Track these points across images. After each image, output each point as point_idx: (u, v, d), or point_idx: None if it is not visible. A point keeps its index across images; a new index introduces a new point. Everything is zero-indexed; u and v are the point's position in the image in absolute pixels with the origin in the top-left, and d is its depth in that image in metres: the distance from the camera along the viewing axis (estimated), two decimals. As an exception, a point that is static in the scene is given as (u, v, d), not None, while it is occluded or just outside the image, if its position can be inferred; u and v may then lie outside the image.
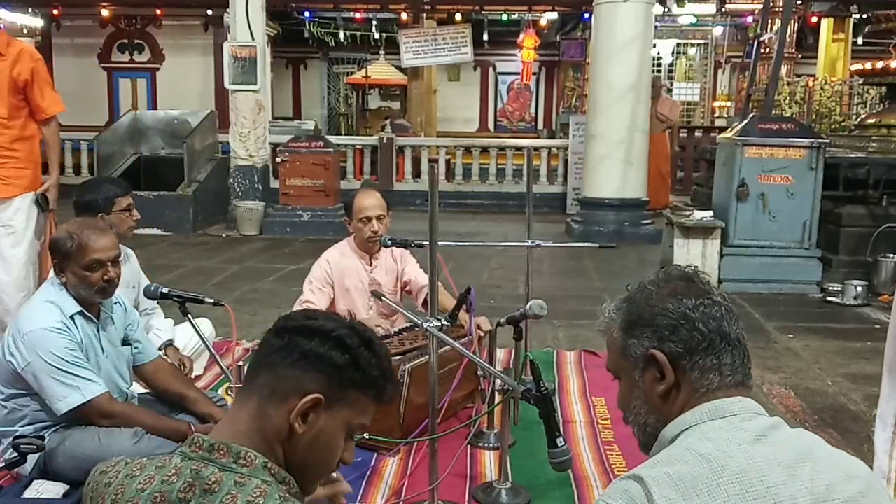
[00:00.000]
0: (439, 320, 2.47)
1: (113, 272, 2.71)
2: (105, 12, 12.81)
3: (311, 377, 1.25)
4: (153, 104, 13.53)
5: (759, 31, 9.76)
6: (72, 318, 2.68)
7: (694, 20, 15.06)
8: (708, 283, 1.32)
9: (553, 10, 13.28)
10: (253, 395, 1.27)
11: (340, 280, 3.77)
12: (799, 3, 9.96)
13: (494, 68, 18.38)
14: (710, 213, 6.61)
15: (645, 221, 9.27)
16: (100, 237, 2.70)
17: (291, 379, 1.25)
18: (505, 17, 14.09)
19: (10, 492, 2.62)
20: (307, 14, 14.07)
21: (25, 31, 13.57)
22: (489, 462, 3.13)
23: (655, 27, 10.36)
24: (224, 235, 9.35)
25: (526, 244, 3.74)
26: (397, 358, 3.24)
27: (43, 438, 2.07)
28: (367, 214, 3.69)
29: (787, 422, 1.26)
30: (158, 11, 12.93)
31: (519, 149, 12.01)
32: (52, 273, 2.76)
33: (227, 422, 1.30)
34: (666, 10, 12.27)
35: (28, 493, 2.58)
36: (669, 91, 17.01)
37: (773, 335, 5.21)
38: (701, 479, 1.12)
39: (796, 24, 10.92)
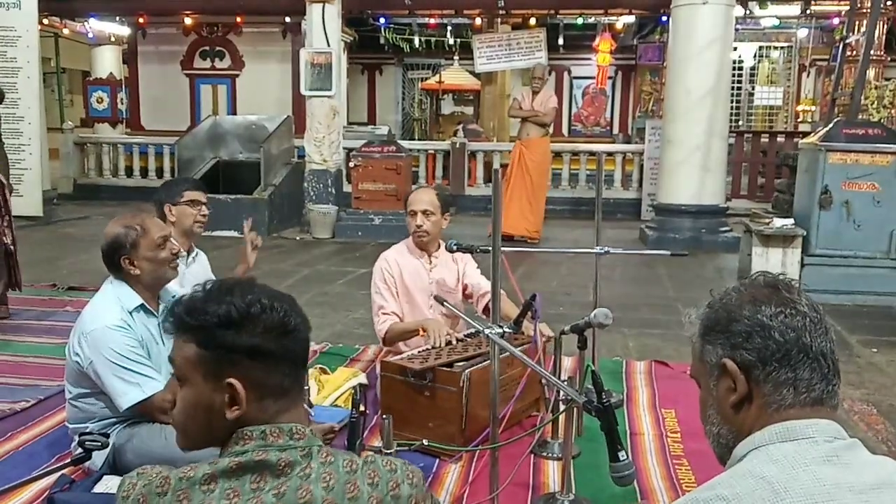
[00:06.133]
0: (501, 327, 2.43)
1: (174, 246, 2.91)
2: (188, 21, 13.18)
3: None
4: (233, 110, 13.85)
5: (845, 32, 9.40)
6: (132, 312, 2.75)
7: (777, 22, 14.57)
8: (796, 292, 1.24)
9: (630, 13, 13.06)
10: (298, 394, 1.38)
11: (401, 279, 3.77)
12: (888, 3, 9.54)
13: (569, 72, 18.22)
14: (791, 220, 6.39)
15: (723, 229, 9.03)
16: (151, 218, 2.90)
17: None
18: (580, 20, 13.91)
19: (81, 486, 2.70)
20: (382, 20, 14.20)
21: (113, 38, 14.09)
22: (552, 472, 3.07)
23: (736, 30, 10.10)
24: (298, 238, 9.51)
25: (594, 251, 3.66)
26: (461, 364, 3.22)
27: (108, 436, 2.13)
28: (413, 208, 3.71)
29: (869, 441, 1.17)
30: (239, 19, 13.22)
31: (592, 154, 11.87)
32: (107, 280, 2.86)
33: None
34: (747, 12, 11.93)
35: (98, 488, 2.65)
36: (751, 94, 16.56)
37: (855, 349, 4.99)
38: (761, 502, 1.06)
39: (885, 26, 10.46)
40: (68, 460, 1.97)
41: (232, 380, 1.28)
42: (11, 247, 5.19)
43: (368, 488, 1.28)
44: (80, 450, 1.92)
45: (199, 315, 1.30)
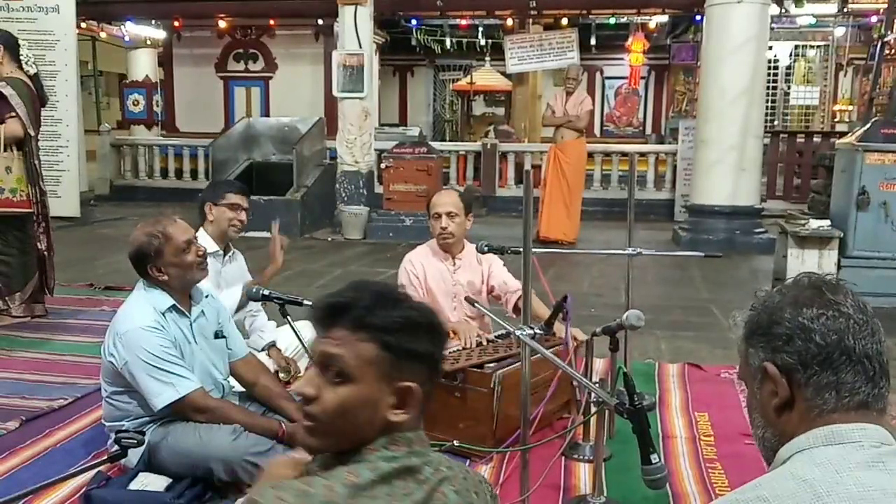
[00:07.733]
0: (532, 328, 2.42)
1: (200, 248, 2.87)
2: (222, 24, 13.32)
3: None
4: (266, 111, 13.97)
5: (883, 31, 9.23)
6: (164, 313, 2.78)
7: (813, 21, 14.36)
8: (842, 293, 1.20)
9: (663, 12, 12.95)
10: None
11: (425, 281, 3.76)
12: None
13: (602, 73, 18.12)
14: (828, 222, 6.29)
15: (758, 230, 8.91)
16: (173, 222, 2.84)
17: None
18: (613, 20, 13.84)
19: (116, 483, 2.74)
20: (414, 22, 14.24)
21: (149, 42, 14.29)
22: (583, 475, 3.05)
23: (772, 28, 9.98)
24: (329, 239, 9.56)
25: (626, 252, 3.64)
26: (491, 365, 3.22)
27: (143, 433, 2.16)
28: (437, 210, 3.69)
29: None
30: (272, 22, 13.34)
31: (625, 154, 11.80)
32: (139, 283, 2.88)
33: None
34: (783, 10, 11.76)
35: (133, 485, 2.68)
36: (787, 94, 16.34)
37: (893, 352, 4.89)
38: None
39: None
40: (104, 457, 2.00)
41: (411, 384, 1.29)
42: (45, 252, 5.26)
43: (475, 497, 1.35)
44: (116, 447, 1.95)
45: (383, 316, 1.29)
